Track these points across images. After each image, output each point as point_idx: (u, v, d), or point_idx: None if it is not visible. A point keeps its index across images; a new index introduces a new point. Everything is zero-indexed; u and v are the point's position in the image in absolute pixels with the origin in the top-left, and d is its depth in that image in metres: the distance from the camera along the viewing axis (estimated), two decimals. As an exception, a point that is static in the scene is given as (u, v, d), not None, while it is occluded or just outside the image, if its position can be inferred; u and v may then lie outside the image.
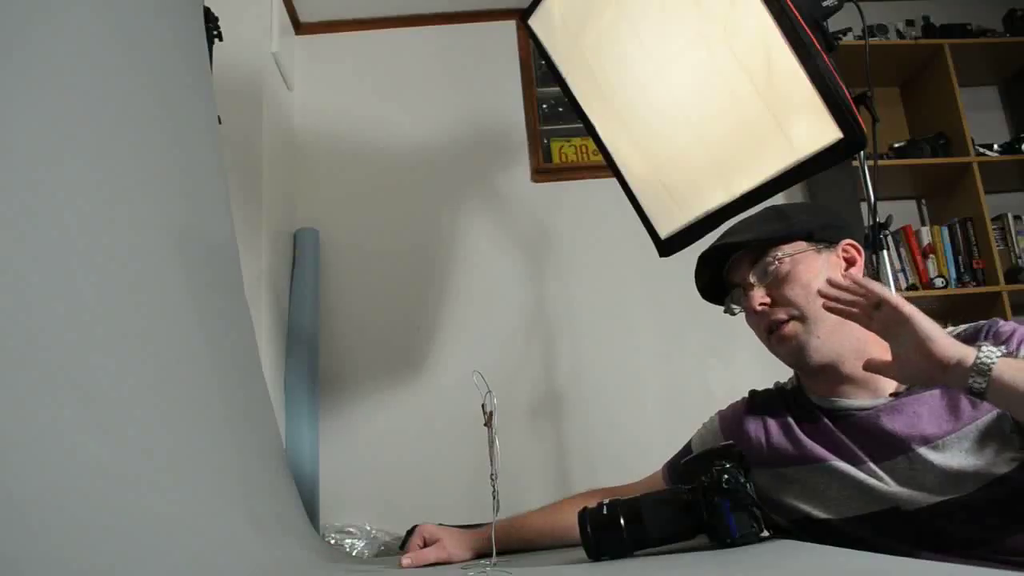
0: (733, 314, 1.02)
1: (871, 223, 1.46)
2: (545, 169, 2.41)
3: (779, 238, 0.96)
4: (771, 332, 0.95)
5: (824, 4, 1.27)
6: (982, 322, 0.89)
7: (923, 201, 2.57)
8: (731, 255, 1.00)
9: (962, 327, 0.91)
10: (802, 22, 1.03)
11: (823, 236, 0.97)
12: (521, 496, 1.46)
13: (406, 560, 0.98)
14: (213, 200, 1.26)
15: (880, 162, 2.21)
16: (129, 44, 0.98)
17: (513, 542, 1.06)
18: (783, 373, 1.09)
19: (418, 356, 2.22)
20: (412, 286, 2.28)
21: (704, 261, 1.02)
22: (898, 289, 2.17)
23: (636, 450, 1.74)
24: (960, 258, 2.30)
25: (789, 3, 1.04)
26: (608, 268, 2.30)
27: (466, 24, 2.51)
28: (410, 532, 1.06)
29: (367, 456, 2.10)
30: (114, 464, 0.68)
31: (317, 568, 1.02)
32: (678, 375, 2.22)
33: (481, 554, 1.01)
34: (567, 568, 0.81)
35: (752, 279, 0.96)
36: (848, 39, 1.46)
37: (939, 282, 2.25)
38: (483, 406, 0.79)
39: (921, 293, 2.24)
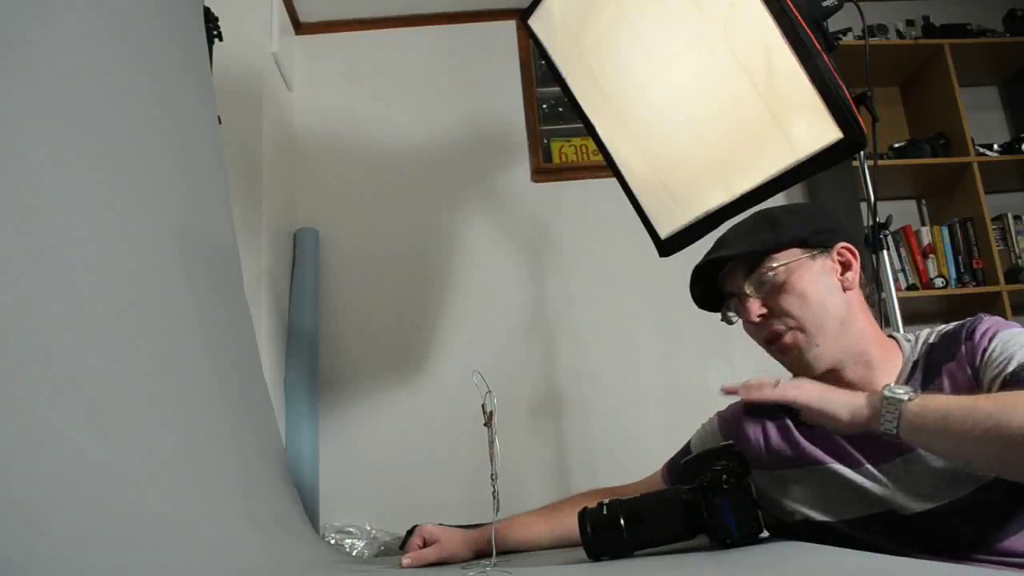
0: (731, 323, 1.02)
1: (871, 223, 1.46)
2: (545, 169, 2.41)
3: (771, 248, 0.94)
4: (770, 343, 0.95)
5: (824, 4, 1.27)
6: (967, 319, 0.89)
7: (923, 201, 2.57)
8: (725, 265, 0.99)
9: (952, 324, 0.91)
10: (802, 22, 1.03)
11: (816, 241, 0.95)
12: (521, 496, 1.46)
13: (406, 560, 0.98)
14: (213, 200, 1.26)
15: (880, 162, 2.21)
16: (129, 44, 0.98)
17: (513, 542, 1.06)
18: (782, 375, 1.09)
19: (418, 356, 2.22)
20: (412, 286, 2.29)
21: (698, 273, 1.01)
22: (898, 289, 2.17)
23: (636, 450, 1.74)
24: (960, 258, 2.30)
25: (789, 3, 1.04)
26: (608, 268, 2.30)
27: (466, 24, 2.51)
28: (410, 532, 1.06)
29: (367, 456, 2.10)
30: (114, 464, 0.68)
31: (317, 568, 1.02)
32: (678, 375, 2.22)
33: (481, 554, 1.01)
34: (567, 568, 0.81)
35: (748, 290, 0.95)
36: (848, 39, 1.47)
37: (939, 282, 2.25)
38: (483, 406, 0.79)
39: (921, 293, 2.24)
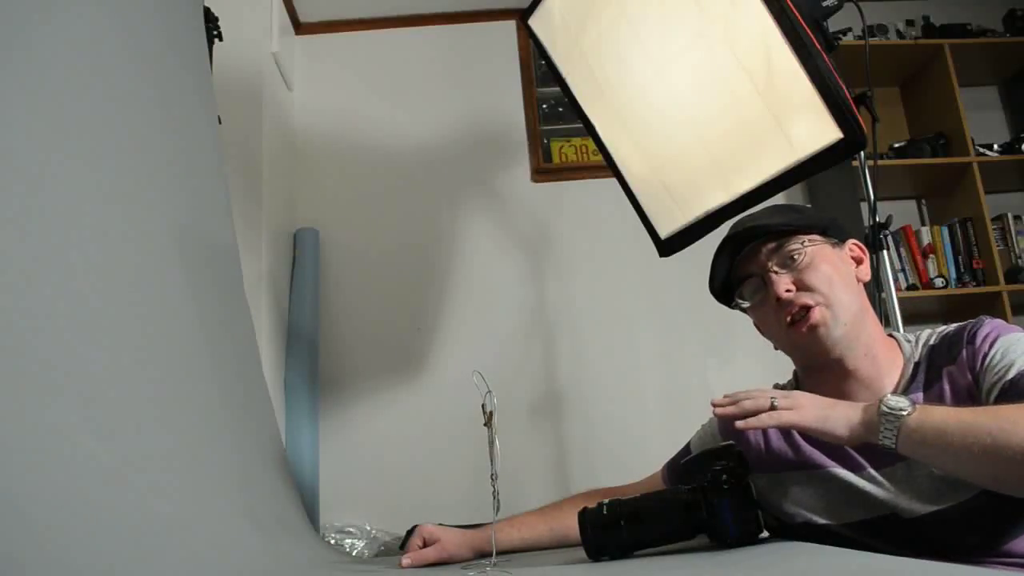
0: (741, 309, 1.01)
1: (871, 223, 1.46)
2: (545, 169, 2.41)
3: (801, 227, 0.95)
4: (793, 321, 0.92)
5: (824, 4, 1.27)
6: (969, 321, 0.89)
7: (923, 201, 2.57)
8: (745, 245, 0.98)
9: (953, 326, 0.91)
10: (802, 22, 1.03)
11: (833, 234, 0.97)
12: (521, 496, 1.46)
13: (406, 560, 0.98)
14: (213, 200, 1.26)
15: (880, 162, 2.21)
16: (129, 44, 0.98)
17: (513, 542, 1.06)
18: (782, 374, 1.09)
19: (418, 356, 2.22)
20: (412, 286, 2.29)
21: (723, 251, 0.99)
22: (898, 289, 2.17)
23: (636, 450, 1.74)
24: (960, 258, 2.30)
25: (789, 3, 1.04)
26: (608, 268, 2.30)
27: (466, 24, 2.51)
28: (410, 532, 1.06)
29: (367, 456, 2.10)
30: (114, 464, 0.68)
31: (317, 568, 1.02)
32: (678, 375, 2.22)
33: (481, 554, 1.01)
34: (567, 568, 0.81)
35: (774, 266, 0.94)
36: (848, 39, 1.47)
37: (939, 282, 2.25)
38: (483, 406, 0.79)
39: (921, 293, 2.24)
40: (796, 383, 1.05)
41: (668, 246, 1.41)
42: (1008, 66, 2.55)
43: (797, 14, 1.04)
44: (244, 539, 0.90)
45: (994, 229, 2.30)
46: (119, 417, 0.73)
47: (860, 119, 1.03)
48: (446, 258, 2.31)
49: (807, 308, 0.91)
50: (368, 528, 1.93)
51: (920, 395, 0.87)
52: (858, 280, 0.96)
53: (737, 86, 1.14)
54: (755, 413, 0.80)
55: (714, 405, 0.84)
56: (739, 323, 1.06)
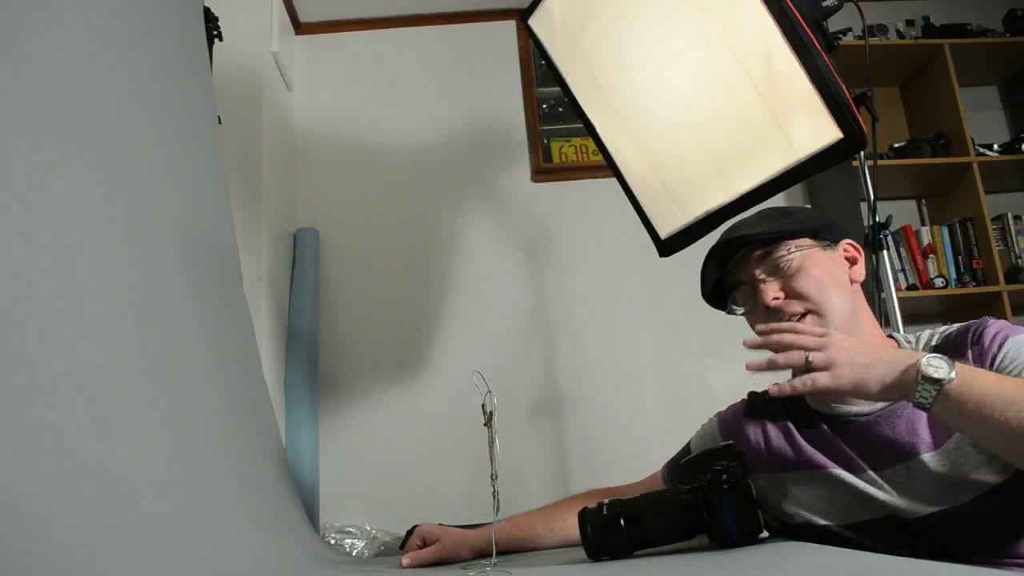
0: (734, 313, 1.01)
1: (871, 223, 1.46)
2: (545, 169, 2.41)
3: (788, 233, 0.95)
4: None
5: (824, 4, 1.27)
6: (972, 321, 0.89)
7: (923, 201, 2.57)
8: (735, 253, 0.98)
9: (955, 327, 0.91)
10: (802, 22, 1.03)
11: (826, 235, 0.97)
12: (521, 496, 1.46)
13: (406, 560, 0.98)
14: (213, 200, 1.26)
15: (880, 162, 2.21)
16: (129, 44, 0.98)
17: (513, 542, 1.06)
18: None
19: (418, 356, 2.22)
20: (412, 286, 2.29)
21: (711, 259, 0.99)
22: (898, 289, 2.17)
23: (636, 450, 1.74)
24: (960, 258, 2.30)
25: (789, 3, 1.03)
26: (608, 268, 2.30)
27: (466, 24, 2.51)
28: (410, 532, 1.06)
29: (367, 456, 2.10)
30: (114, 464, 0.68)
31: (317, 568, 1.02)
32: (678, 375, 2.22)
33: (481, 554, 1.01)
34: (567, 568, 0.81)
35: (762, 274, 0.94)
36: (848, 39, 1.46)
37: (939, 282, 2.25)
38: (483, 406, 0.79)
39: (921, 293, 2.24)
40: (796, 383, 1.05)
41: (668, 246, 1.41)
42: (1008, 66, 2.55)
43: (797, 14, 1.03)
44: (244, 539, 0.90)
45: (994, 229, 2.30)
46: (119, 417, 0.72)
47: (860, 119, 1.03)
48: (446, 258, 2.31)
49: (796, 317, 0.91)
50: (368, 528, 1.93)
51: None
52: (852, 281, 0.96)
53: (737, 86, 1.14)
54: (787, 366, 0.79)
55: (746, 345, 0.83)
56: (739, 323, 1.06)
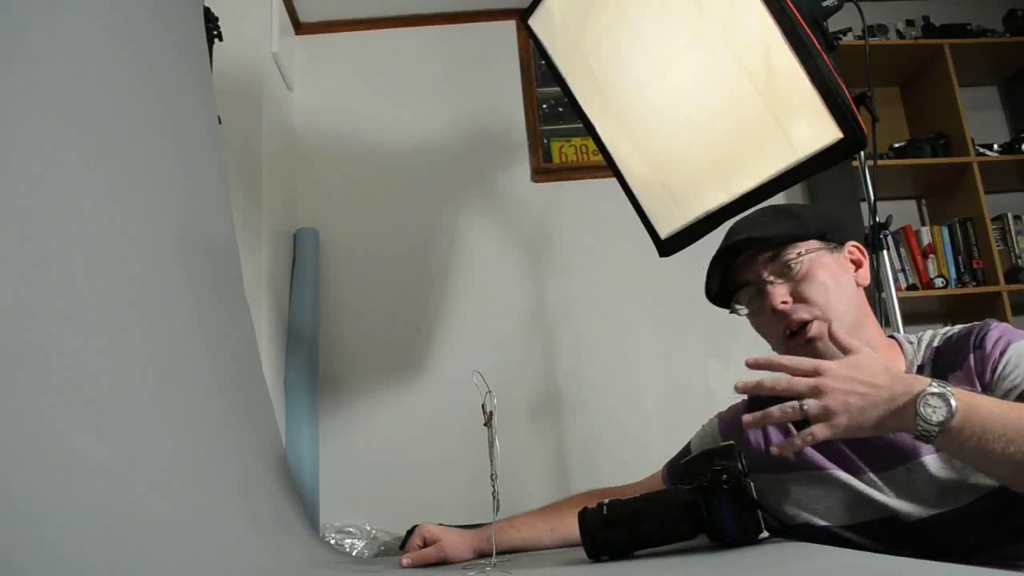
0: (739, 314, 1.00)
1: (871, 223, 1.46)
2: (545, 169, 2.41)
3: (796, 236, 0.94)
4: (792, 334, 0.92)
5: (824, 4, 1.27)
6: (974, 324, 0.89)
7: (923, 201, 2.57)
8: (742, 253, 0.97)
9: (956, 328, 0.91)
10: (802, 22, 1.03)
11: (833, 237, 0.96)
12: (521, 496, 1.46)
13: (406, 560, 0.98)
14: (213, 200, 1.26)
15: (880, 162, 2.21)
16: (129, 44, 0.98)
17: (513, 542, 1.06)
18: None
19: (418, 356, 2.22)
20: (412, 286, 2.29)
21: (717, 261, 0.99)
22: (898, 289, 2.17)
23: (636, 450, 1.74)
24: (960, 258, 2.30)
25: (789, 3, 1.04)
26: (608, 268, 2.30)
27: (466, 24, 2.51)
28: (410, 532, 1.06)
29: (367, 456, 2.10)
30: (114, 464, 0.68)
31: (317, 568, 1.02)
32: (678, 375, 2.22)
33: (481, 554, 1.01)
34: (567, 568, 0.81)
35: (770, 276, 0.93)
36: (848, 39, 1.47)
37: (939, 282, 2.25)
38: (483, 406, 0.79)
39: (921, 293, 2.24)
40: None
41: (668, 246, 1.41)
42: (1008, 66, 2.55)
43: (797, 14, 1.04)
44: (244, 539, 0.90)
45: (994, 229, 2.30)
46: (119, 417, 0.72)
47: (860, 119, 1.03)
48: (446, 258, 2.31)
49: (804, 323, 0.91)
50: (368, 528, 1.93)
51: None
52: (857, 284, 0.95)
53: (737, 86, 1.14)
54: (783, 422, 0.77)
55: (747, 425, 0.80)
56: (739, 323, 1.06)
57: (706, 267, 1.01)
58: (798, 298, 0.92)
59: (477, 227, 2.34)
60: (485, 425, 0.79)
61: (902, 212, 2.49)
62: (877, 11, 2.51)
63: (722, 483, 0.77)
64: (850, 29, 1.53)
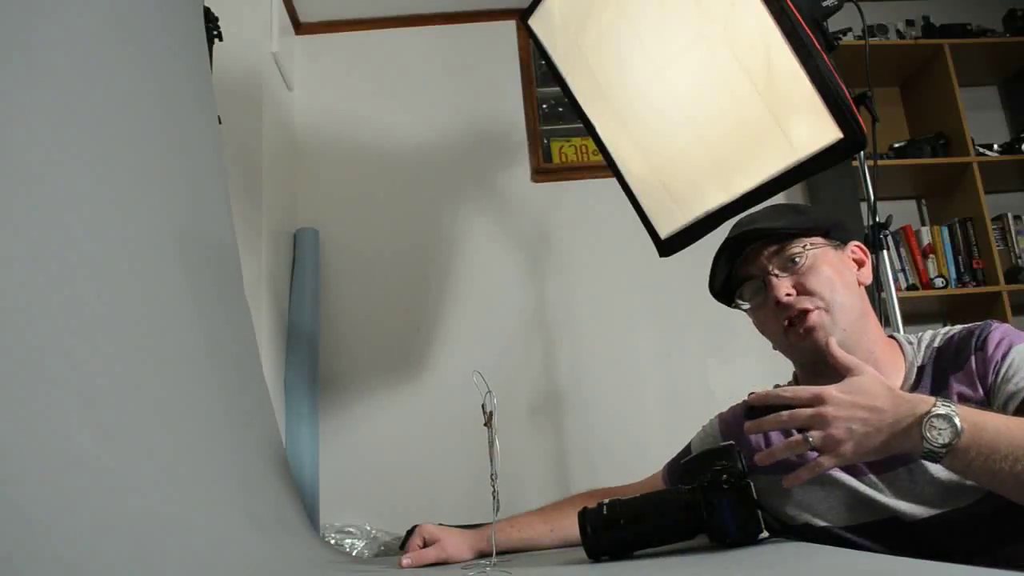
0: (741, 308, 1.00)
1: (871, 223, 1.46)
2: (545, 169, 2.41)
3: (803, 230, 0.94)
4: (792, 325, 0.92)
5: (824, 4, 1.27)
6: (976, 324, 0.88)
7: (923, 201, 2.57)
8: (746, 247, 0.97)
9: (957, 328, 0.91)
10: (802, 22, 1.03)
11: (836, 235, 0.96)
12: (521, 496, 1.46)
13: (406, 560, 0.98)
14: (213, 200, 1.26)
15: (880, 162, 2.21)
16: (129, 44, 0.98)
17: (513, 542, 1.06)
18: (783, 374, 1.09)
19: (418, 356, 2.22)
20: (412, 286, 2.29)
21: (723, 253, 0.98)
22: (898, 289, 2.17)
23: (636, 450, 1.74)
24: (960, 258, 2.30)
25: (789, 3, 1.04)
26: (608, 268, 2.30)
27: (466, 24, 2.51)
28: (410, 532, 1.06)
29: (367, 456, 2.10)
30: (114, 464, 0.68)
31: (317, 568, 1.02)
32: (678, 375, 2.22)
33: (481, 554, 1.01)
34: (567, 568, 0.81)
35: (774, 269, 0.93)
36: (848, 39, 1.47)
37: (939, 282, 2.25)
38: (483, 406, 0.79)
39: (921, 293, 2.24)
40: (796, 384, 1.05)
41: (668, 246, 1.41)
42: (1008, 66, 2.55)
43: (797, 14, 1.04)
44: (244, 539, 0.90)
45: (994, 229, 2.30)
46: (119, 417, 0.72)
47: (860, 119, 1.03)
48: (446, 258, 2.31)
49: (805, 312, 0.91)
50: (368, 528, 1.93)
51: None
52: (859, 283, 0.96)
53: (737, 86, 1.14)
54: (791, 452, 0.78)
55: (761, 463, 0.81)
56: (739, 323, 1.06)
57: (707, 267, 1.01)
58: (802, 291, 0.92)
59: (477, 227, 2.34)
60: (485, 425, 0.79)
61: (902, 212, 2.49)
62: (877, 11, 2.51)
63: (722, 483, 0.77)
64: (850, 29, 1.53)
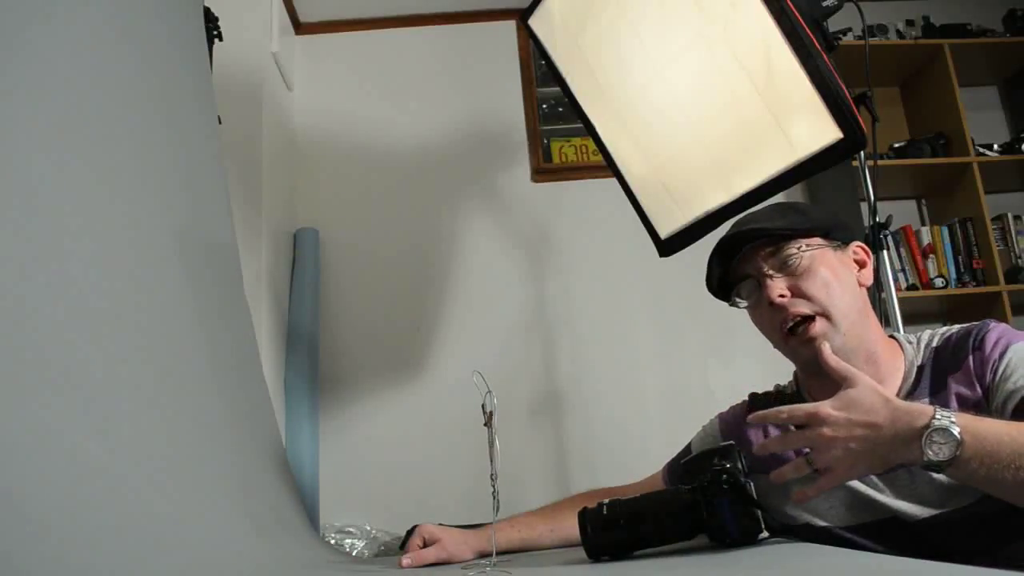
0: (738, 307, 0.99)
1: (871, 223, 1.46)
2: (545, 169, 2.41)
3: (800, 230, 0.93)
4: (791, 331, 0.92)
5: (824, 4, 1.27)
6: (973, 324, 0.88)
7: (923, 201, 2.57)
8: (745, 245, 0.96)
9: (955, 328, 0.91)
10: (802, 22, 1.03)
11: (837, 235, 0.96)
12: (521, 496, 1.46)
13: (406, 560, 0.98)
14: (213, 200, 1.26)
15: (880, 162, 2.21)
16: (129, 44, 0.98)
17: (513, 542, 1.06)
18: (783, 374, 1.09)
19: (418, 356, 2.22)
20: (412, 286, 2.29)
21: (719, 251, 0.98)
22: (898, 289, 2.17)
23: (636, 450, 1.74)
24: (960, 258, 2.30)
25: (789, 3, 1.04)
26: (608, 268, 2.30)
27: (466, 24, 2.51)
28: (410, 532, 1.06)
29: (367, 456, 2.10)
30: (114, 464, 0.68)
31: (317, 568, 1.02)
32: (678, 375, 2.22)
33: (481, 554, 1.01)
34: (567, 568, 0.81)
35: (769, 270, 0.93)
36: (848, 39, 1.47)
37: (939, 282, 2.25)
38: (483, 406, 0.79)
39: (921, 293, 2.24)
40: (796, 384, 1.05)
41: (668, 246, 1.41)
42: (1008, 66, 2.55)
43: (797, 14, 1.04)
44: (244, 539, 0.90)
45: (994, 229, 2.30)
46: (119, 417, 0.73)
47: (860, 119, 1.03)
48: (446, 258, 2.31)
49: (806, 319, 0.90)
50: (368, 528, 1.93)
51: (927, 400, 0.86)
52: (860, 285, 0.95)
53: (737, 86, 1.14)
54: (796, 476, 0.78)
55: (777, 480, 0.80)
56: (739, 323, 1.06)
57: (707, 267, 1.01)
58: (797, 293, 0.91)
59: (477, 227, 2.34)
60: (485, 425, 0.79)
61: (902, 212, 2.49)
62: (877, 11, 2.51)
63: (722, 483, 0.77)
64: (850, 29, 1.53)
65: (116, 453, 0.69)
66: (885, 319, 1.44)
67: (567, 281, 2.30)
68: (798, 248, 0.92)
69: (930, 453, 0.68)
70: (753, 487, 0.79)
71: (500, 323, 2.25)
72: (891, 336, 0.97)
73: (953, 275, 2.28)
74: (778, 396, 1.05)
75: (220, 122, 1.38)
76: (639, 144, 1.39)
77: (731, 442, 0.88)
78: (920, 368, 0.90)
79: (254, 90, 2.01)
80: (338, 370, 2.18)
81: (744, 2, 1.08)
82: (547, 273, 2.31)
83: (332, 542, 1.83)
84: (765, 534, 0.78)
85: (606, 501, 0.83)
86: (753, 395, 1.09)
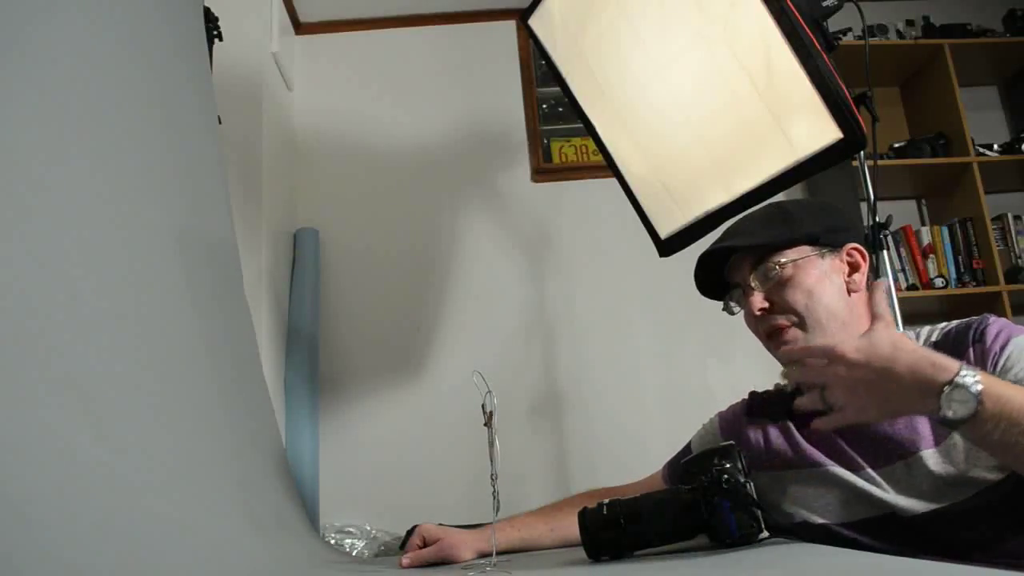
0: (732, 313, 1.02)
1: (871, 223, 1.46)
2: (545, 169, 2.41)
3: (782, 243, 0.94)
4: (770, 337, 0.94)
5: (824, 4, 1.27)
6: (972, 318, 0.88)
7: (923, 201, 2.57)
8: (732, 255, 0.98)
9: (954, 323, 0.90)
10: (802, 22, 1.03)
11: (827, 240, 0.95)
12: (521, 496, 1.46)
13: (406, 560, 0.98)
14: (213, 200, 1.26)
15: (880, 162, 2.21)
16: (129, 44, 0.98)
17: (513, 542, 1.06)
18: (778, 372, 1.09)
19: (418, 356, 2.22)
20: (412, 286, 2.29)
21: (703, 262, 1.00)
22: (898, 289, 2.17)
23: (636, 450, 1.74)
24: (960, 258, 2.30)
25: (789, 3, 1.04)
26: (608, 268, 2.30)
27: (466, 24, 2.51)
28: (410, 532, 1.06)
29: (367, 456, 2.10)
30: (113, 464, 0.68)
31: (317, 568, 1.02)
32: (678, 375, 2.22)
33: (481, 554, 1.01)
34: (567, 568, 0.81)
35: (752, 283, 0.95)
36: (848, 39, 1.46)
37: (939, 282, 2.25)
38: (483, 406, 0.79)
39: (921, 293, 2.24)
40: (796, 386, 1.05)
41: (668, 246, 1.41)
42: (1008, 66, 2.55)
43: (797, 14, 1.04)
44: (244, 539, 0.90)
45: (994, 229, 2.29)
46: (119, 417, 0.73)
47: (860, 119, 1.03)
48: (446, 258, 2.31)
49: (780, 328, 0.92)
50: (368, 528, 1.93)
51: None
52: (850, 290, 0.93)
53: (737, 86, 1.14)
54: (812, 407, 0.78)
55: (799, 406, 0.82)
56: (739, 323, 1.06)
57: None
58: (777, 303, 0.93)
59: (477, 227, 2.34)
60: (485, 425, 0.79)
61: (902, 212, 2.49)
62: (877, 11, 2.51)
63: (722, 483, 0.77)
64: (850, 29, 1.53)
65: (115, 453, 0.69)
66: (885, 319, 1.44)
67: (567, 281, 2.30)
68: (777, 263, 0.93)
69: (947, 410, 0.67)
70: (753, 487, 0.79)
71: (500, 323, 2.25)
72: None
73: (953, 275, 2.28)
74: (778, 395, 1.05)
75: (220, 122, 1.38)
76: (639, 144, 1.39)
77: (731, 442, 0.88)
78: None
79: (254, 90, 2.01)
80: (338, 370, 2.18)
81: (744, 2, 1.08)
82: (547, 273, 2.31)
83: (332, 542, 1.83)
84: (765, 534, 0.78)
85: (606, 501, 0.84)
86: (753, 394, 1.10)
